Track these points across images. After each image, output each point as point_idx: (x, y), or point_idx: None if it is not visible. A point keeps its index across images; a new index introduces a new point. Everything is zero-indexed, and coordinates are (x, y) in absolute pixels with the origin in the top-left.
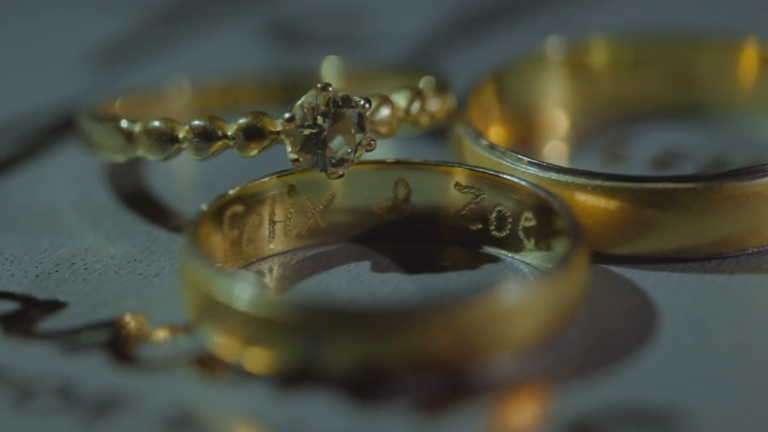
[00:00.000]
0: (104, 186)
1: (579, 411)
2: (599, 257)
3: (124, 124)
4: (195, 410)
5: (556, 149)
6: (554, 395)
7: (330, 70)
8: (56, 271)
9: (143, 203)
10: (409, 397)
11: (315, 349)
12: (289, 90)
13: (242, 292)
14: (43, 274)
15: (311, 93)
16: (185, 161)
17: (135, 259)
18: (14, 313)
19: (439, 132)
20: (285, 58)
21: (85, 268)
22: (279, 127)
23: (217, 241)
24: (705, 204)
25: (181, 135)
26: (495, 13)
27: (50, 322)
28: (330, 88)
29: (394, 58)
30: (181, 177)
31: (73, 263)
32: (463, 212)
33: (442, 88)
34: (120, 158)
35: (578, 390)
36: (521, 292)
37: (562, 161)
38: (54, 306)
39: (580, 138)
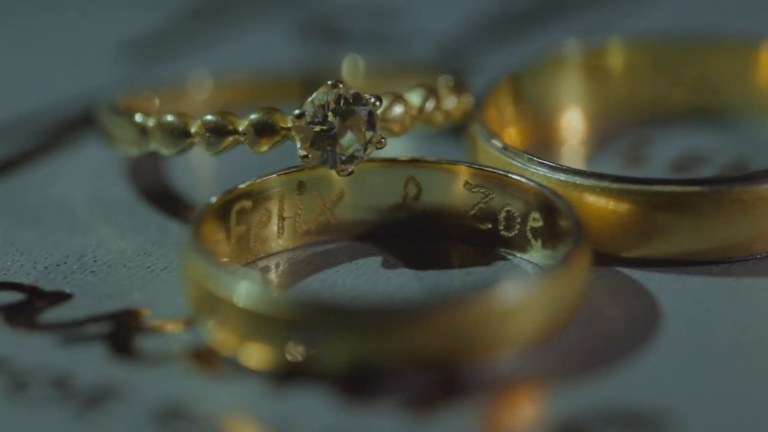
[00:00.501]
0: (124, 180)
1: (573, 411)
2: (607, 259)
3: (138, 118)
4: (187, 403)
5: (572, 151)
6: (549, 395)
7: (353, 67)
8: (65, 262)
9: (162, 197)
10: (404, 395)
11: (310, 345)
12: (313, 87)
13: (239, 287)
14: (51, 266)
15: (322, 90)
16: (209, 156)
17: (145, 253)
18: (19, 304)
19: (460, 130)
20: (319, 55)
21: (95, 261)
22: (289, 124)
23: (224, 236)
24: (713, 208)
25: (193, 130)
26: (530, 14)
27: (54, 314)
28: (340, 85)
29: (426, 57)
30: (203, 172)
31: (82, 255)
32: (473, 212)
33: (459, 87)
34: (134, 151)
35: (573, 390)
36: (518, 291)
37: (578, 164)
38: (59, 297)
39: (598, 141)
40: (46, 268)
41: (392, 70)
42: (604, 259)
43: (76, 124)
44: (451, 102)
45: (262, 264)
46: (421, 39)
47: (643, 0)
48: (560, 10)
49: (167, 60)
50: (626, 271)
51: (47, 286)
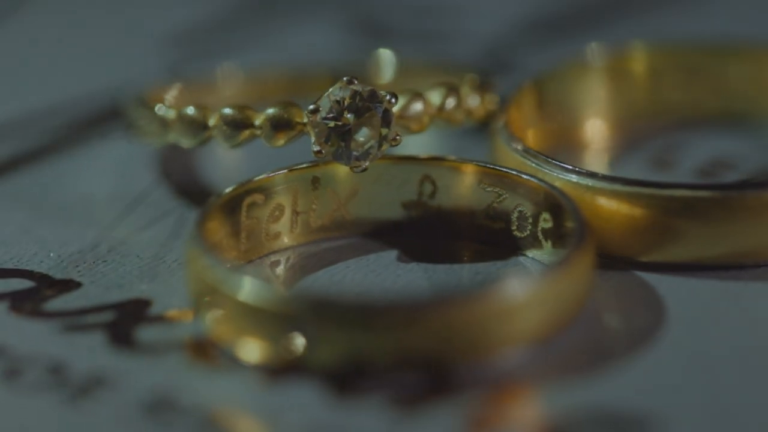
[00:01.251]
0: (150, 172)
1: (566, 412)
2: (619, 262)
3: (159, 110)
4: (179, 394)
5: (595, 155)
6: (544, 395)
7: (385, 63)
8: (79, 252)
9: (185, 190)
10: (396, 392)
11: (306, 341)
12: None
13: (236, 281)
14: (65, 255)
15: (337, 86)
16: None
17: (160, 244)
18: (26, 291)
19: (485, 129)
20: (365, 52)
21: (109, 251)
22: (305, 119)
23: (232, 230)
24: (725, 213)
25: (211, 123)
26: (583, 16)
27: (60, 302)
28: (356, 82)
29: (472, 56)
30: (230, 165)
31: (97, 246)
32: (487, 211)
33: (484, 86)
34: (156, 143)
35: (568, 391)
36: (517, 289)
37: (601, 168)
38: (68, 286)
39: (622, 145)
40: (59, 257)
41: (425, 68)
42: (615, 262)
43: (108, 116)
44: (473, 101)
45: (273, 258)
46: (470, 38)
47: (694, 3)
48: (610, 13)
49: (215, 54)
50: (637, 274)
51: (58, 274)
